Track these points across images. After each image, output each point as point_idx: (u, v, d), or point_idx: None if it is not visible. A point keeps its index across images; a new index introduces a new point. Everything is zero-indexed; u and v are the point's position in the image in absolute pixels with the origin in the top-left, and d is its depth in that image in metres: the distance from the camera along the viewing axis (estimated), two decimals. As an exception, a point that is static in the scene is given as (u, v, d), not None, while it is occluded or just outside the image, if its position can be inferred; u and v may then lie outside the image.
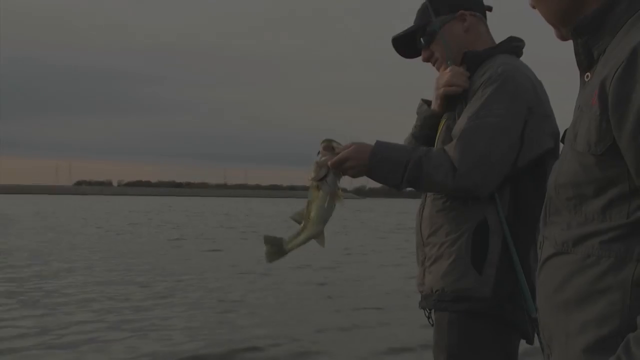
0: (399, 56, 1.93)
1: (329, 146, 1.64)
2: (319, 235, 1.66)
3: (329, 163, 1.62)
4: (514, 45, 1.79)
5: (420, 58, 1.88)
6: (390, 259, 11.42)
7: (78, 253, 11.31)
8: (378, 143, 1.63)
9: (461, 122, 1.63)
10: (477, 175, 1.57)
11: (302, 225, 1.68)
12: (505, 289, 1.59)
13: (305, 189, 1.71)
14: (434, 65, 1.86)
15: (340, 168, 1.62)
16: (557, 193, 0.89)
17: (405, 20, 1.98)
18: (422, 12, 1.86)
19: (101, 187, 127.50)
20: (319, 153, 1.65)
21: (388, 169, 1.60)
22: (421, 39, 1.84)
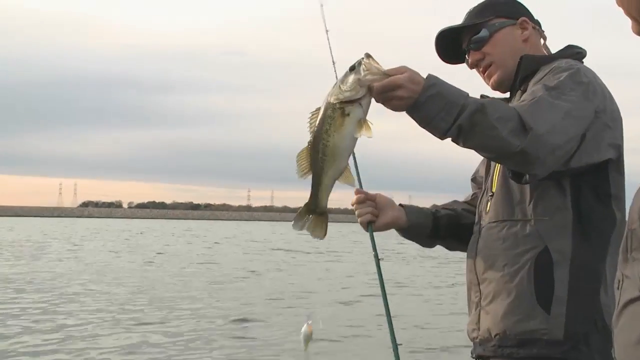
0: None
1: (375, 65, 1.49)
2: (344, 172, 1.56)
3: (377, 85, 1.50)
4: (575, 52, 1.83)
5: (455, 66, 1.92)
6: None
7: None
8: (431, 76, 1.55)
9: (532, 93, 1.62)
10: (551, 142, 1.54)
11: (313, 168, 1.56)
12: (579, 329, 1.58)
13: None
14: (481, 71, 1.90)
15: (386, 95, 1.52)
16: None
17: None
18: (480, 11, 1.91)
19: (110, 209, 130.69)
20: (359, 64, 1.51)
21: (439, 107, 1.52)
22: (474, 39, 1.87)
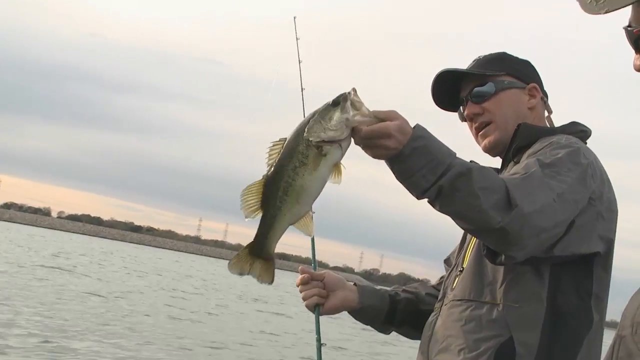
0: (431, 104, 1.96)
1: (362, 108, 1.49)
2: (304, 219, 1.53)
3: (365, 130, 1.49)
4: (579, 130, 1.87)
5: (449, 114, 1.94)
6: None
7: None
8: (419, 127, 1.55)
9: (525, 165, 1.64)
10: (536, 224, 1.54)
11: (266, 207, 1.52)
12: None
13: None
14: (475, 127, 1.93)
15: (372, 142, 1.51)
16: (634, 333, 0.90)
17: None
18: (490, 62, 1.95)
19: (35, 216, 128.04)
20: (344, 99, 1.48)
21: (423, 163, 1.52)
22: (477, 91, 1.90)
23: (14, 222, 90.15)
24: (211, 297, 22.96)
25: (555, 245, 1.62)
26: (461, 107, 1.98)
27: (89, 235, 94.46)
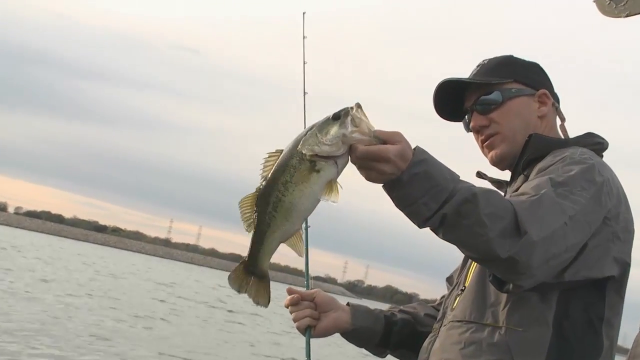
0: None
1: (365, 122, 1.49)
2: (294, 237, 1.54)
3: (361, 149, 1.48)
4: (595, 142, 1.85)
5: (453, 124, 1.95)
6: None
7: None
8: (419, 151, 1.54)
9: (536, 184, 1.62)
10: (546, 251, 1.53)
11: (257, 223, 1.53)
12: None
13: None
14: (481, 139, 1.92)
15: (368, 164, 1.50)
16: None
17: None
18: (496, 69, 1.92)
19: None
20: (346, 114, 1.48)
21: (424, 190, 1.50)
22: (482, 100, 1.88)
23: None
24: (194, 311, 22.83)
25: (566, 270, 1.62)
26: (466, 117, 1.97)
27: (49, 234, 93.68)
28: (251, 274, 1.63)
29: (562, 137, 1.93)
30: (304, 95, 2.21)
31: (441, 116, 1.99)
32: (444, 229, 1.53)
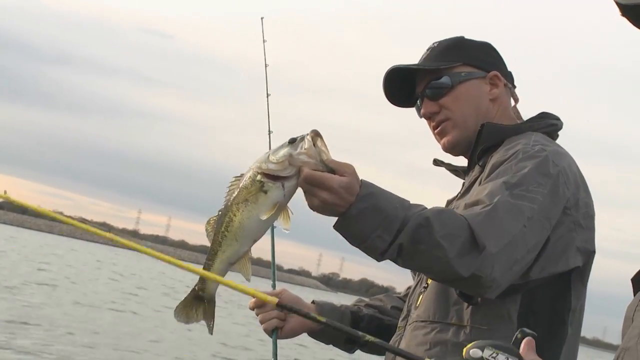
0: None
1: (320, 151, 1.52)
2: (241, 259, 1.56)
3: (306, 171, 1.50)
4: (549, 124, 1.87)
5: (407, 110, 1.95)
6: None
7: None
8: (366, 185, 1.55)
9: (489, 190, 1.63)
10: (507, 259, 1.56)
11: (211, 244, 1.58)
12: None
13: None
14: (433, 125, 1.92)
15: (310, 189, 1.52)
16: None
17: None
18: (445, 52, 1.91)
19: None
20: (301, 139, 1.53)
21: (376, 224, 1.51)
22: (432, 86, 1.88)
23: None
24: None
25: (532, 269, 1.65)
26: (418, 102, 1.97)
27: (11, 225, 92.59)
28: (200, 300, 1.67)
29: (516, 119, 1.94)
30: (267, 97, 2.26)
31: (393, 103, 1.99)
32: (403, 258, 1.55)
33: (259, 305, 1.98)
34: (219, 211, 1.61)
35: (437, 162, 2.02)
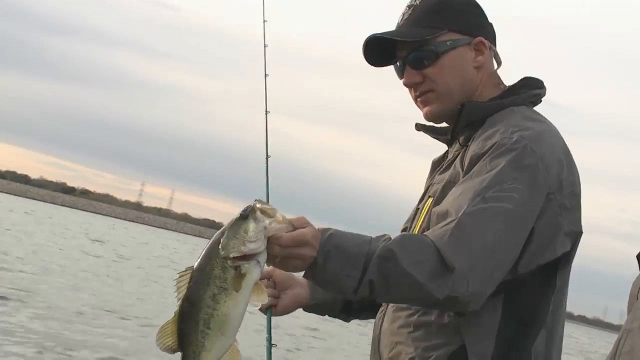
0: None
1: (275, 214, 1.51)
2: (230, 351, 1.49)
3: (285, 237, 1.50)
4: (532, 95, 1.82)
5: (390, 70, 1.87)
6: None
7: None
8: (324, 229, 1.57)
9: (459, 199, 1.62)
10: (479, 279, 1.55)
11: (186, 346, 1.47)
12: None
13: None
14: (415, 95, 1.86)
15: (291, 252, 1.52)
16: None
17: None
18: (427, 17, 1.83)
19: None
20: (253, 210, 1.49)
21: (341, 263, 1.52)
22: (414, 56, 1.81)
23: None
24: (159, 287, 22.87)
25: (519, 264, 1.64)
26: (398, 64, 1.89)
27: (14, 194, 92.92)
28: None
29: (499, 86, 1.88)
30: (265, 78, 2.27)
31: (373, 65, 1.91)
32: (377, 293, 1.55)
33: None
34: (175, 314, 1.51)
35: (418, 127, 1.99)
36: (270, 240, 1.50)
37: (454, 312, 1.67)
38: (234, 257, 1.46)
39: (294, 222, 1.54)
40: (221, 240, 1.50)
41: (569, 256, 1.74)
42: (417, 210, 1.94)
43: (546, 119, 1.81)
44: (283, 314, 2.02)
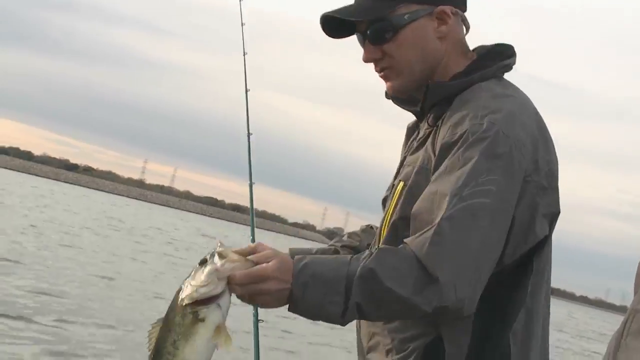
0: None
1: (239, 252, 1.51)
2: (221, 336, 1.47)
3: (239, 274, 1.47)
4: (502, 66, 1.75)
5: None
6: None
7: None
8: (297, 258, 1.54)
9: (435, 200, 1.56)
10: (466, 283, 1.51)
11: None
12: None
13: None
14: (376, 70, 1.80)
15: (253, 288, 1.49)
16: None
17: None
18: None
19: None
20: (212, 255, 1.49)
21: (322, 291, 1.49)
22: (373, 31, 1.74)
23: None
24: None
25: (504, 257, 1.61)
26: (360, 38, 1.81)
27: (17, 170, 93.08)
28: None
29: (467, 55, 1.80)
30: (244, 56, 2.33)
31: (336, 38, 1.83)
32: (366, 314, 1.54)
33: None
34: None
35: (387, 97, 1.90)
36: (229, 280, 1.49)
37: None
38: (188, 304, 1.46)
39: (254, 259, 1.51)
40: (181, 288, 1.51)
41: (547, 239, 1.69)
42: (392, 186, 1.87)
43: (516, 91, 1.73)
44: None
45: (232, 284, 1.49)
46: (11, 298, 9.88)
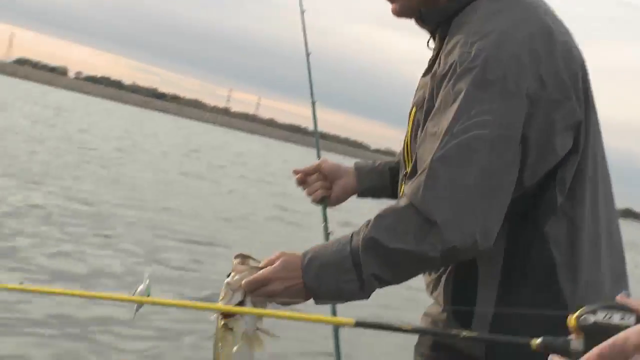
0: None
1: (245, 262, 1.60)
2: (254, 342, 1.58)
3: (244, 283, 1.55)
4: None
5: None
6: None
7: None
8: (302, 255, 1.56)
9: (428, 141, 1.55)
10: (474, 218, 1.48)
11: None
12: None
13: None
14: None
15: (261, 292, 1.55)
16: None
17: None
18: None
19: (52, 75, 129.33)
20: (229, 275, 1.60)
21: (335, 277, 1.52)
22: None
23: (29, 80, 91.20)
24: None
25: (523, 180, 1.54)
26: None
27: (109, 99, 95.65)
28: None
29: None
30: (302, 14, 2.32)
31: None
32: (386, 281, 1.53)
33: (302, 182, 2.08)
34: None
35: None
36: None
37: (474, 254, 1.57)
38: (219, 319, 1.59)
39: (262, 264, 1.58)
40: None
41: (577, 148, 1.59)
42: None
43: (512, 4, 1.60)
44: (337, 204, 2.08)
45: (246, 292, 1.56)
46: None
